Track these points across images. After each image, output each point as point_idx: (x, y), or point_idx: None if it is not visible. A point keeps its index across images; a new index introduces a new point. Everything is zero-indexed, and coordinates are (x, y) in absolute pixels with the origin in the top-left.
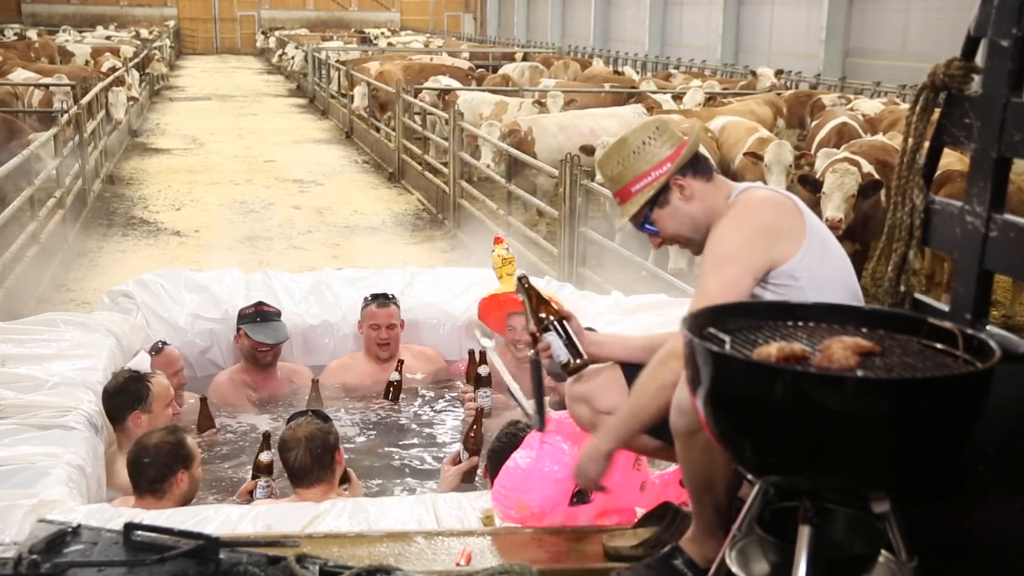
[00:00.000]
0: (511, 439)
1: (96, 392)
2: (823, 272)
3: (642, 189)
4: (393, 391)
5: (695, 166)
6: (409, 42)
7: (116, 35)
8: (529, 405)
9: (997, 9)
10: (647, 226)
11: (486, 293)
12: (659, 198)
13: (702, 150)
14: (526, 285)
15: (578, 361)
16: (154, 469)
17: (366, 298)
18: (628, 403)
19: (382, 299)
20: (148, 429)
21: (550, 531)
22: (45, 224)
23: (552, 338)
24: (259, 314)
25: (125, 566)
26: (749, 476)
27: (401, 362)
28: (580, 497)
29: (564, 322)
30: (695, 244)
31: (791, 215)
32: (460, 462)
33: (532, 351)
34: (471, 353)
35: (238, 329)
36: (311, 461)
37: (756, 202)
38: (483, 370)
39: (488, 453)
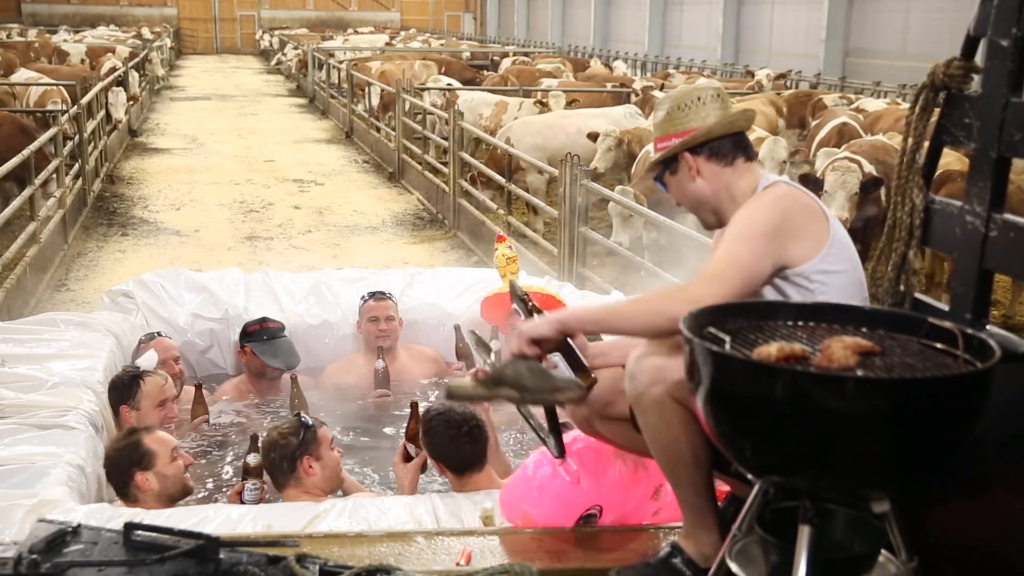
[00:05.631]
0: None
1: (96, 392)
2: (838, 279)
3: (660, 149)
4: (379, 379)
5: (713, 148)
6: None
7: (114, 34)
8: (544, 431)
9: (997, 9)
10: (659, 183)
11: (488, 292)
12: (671, 164)
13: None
14: (527, 305)
15: (586, 380)
16: (113, 477)
17: (363, 296)
18: (614, 305)
19: (379, 294)
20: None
21: (550, 531)
22: (45, 224)
23: (557, 359)
24: (265, 332)
25: (125, 566)
26: (749, 476)
27: (381, 349)
28: (587, 520)
29: (568, 340)
30: (700, 218)
31: (817, 220)
32: (410, 458)
33: None
34: (456, 329)
35: (243, 345)
36: (269, 465)
37: (788, 196)
38: (493, 344)
39: (423, 419)
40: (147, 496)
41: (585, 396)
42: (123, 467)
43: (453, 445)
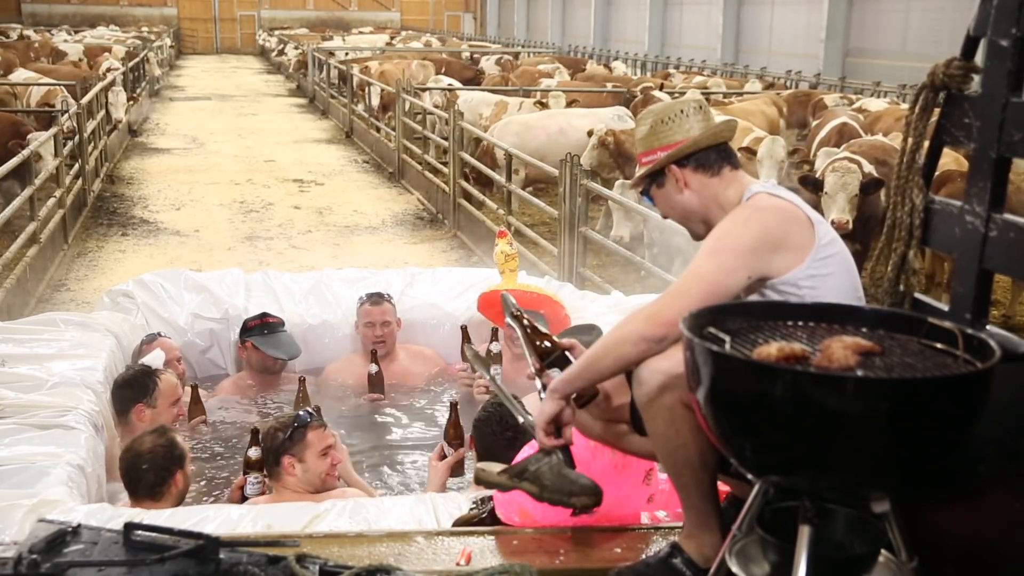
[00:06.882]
0: (496, 408)
1: (96, 392)
2: (827, 283)
3: (646, 164)
4: (373, 382)
5: (699, 159)
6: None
7: (114, 34)
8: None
9: (996, 9)
10: (646, 197)
11: (487, 288)
12: (657, 178)
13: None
14: (523, 321)
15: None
16: (153, 474)
17: (361, 298)
18: (588, 352)
19: (376, 297)
20: (150, 424)
21: (550, 531)
22: (45, 224)
23: (555, 373)
24: (266, 326)
25: (125, 566)
26: (749, 476)
27: (375, 352)
28: (582, 508)
29: (566, 353)
30: (690, 230)
31: (801, 228)
32: (445, 457)
33: (539, 387)
34: (463, 330)
35: (244, 340)
36: (264, 453)
37: (769, 208)
38: (494, 347)
39: (473, 423)
40: (173, 494)
41: (598, 503)
42: (167, 464)
43: (492, 437)
